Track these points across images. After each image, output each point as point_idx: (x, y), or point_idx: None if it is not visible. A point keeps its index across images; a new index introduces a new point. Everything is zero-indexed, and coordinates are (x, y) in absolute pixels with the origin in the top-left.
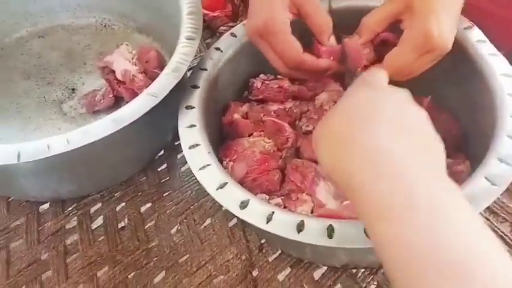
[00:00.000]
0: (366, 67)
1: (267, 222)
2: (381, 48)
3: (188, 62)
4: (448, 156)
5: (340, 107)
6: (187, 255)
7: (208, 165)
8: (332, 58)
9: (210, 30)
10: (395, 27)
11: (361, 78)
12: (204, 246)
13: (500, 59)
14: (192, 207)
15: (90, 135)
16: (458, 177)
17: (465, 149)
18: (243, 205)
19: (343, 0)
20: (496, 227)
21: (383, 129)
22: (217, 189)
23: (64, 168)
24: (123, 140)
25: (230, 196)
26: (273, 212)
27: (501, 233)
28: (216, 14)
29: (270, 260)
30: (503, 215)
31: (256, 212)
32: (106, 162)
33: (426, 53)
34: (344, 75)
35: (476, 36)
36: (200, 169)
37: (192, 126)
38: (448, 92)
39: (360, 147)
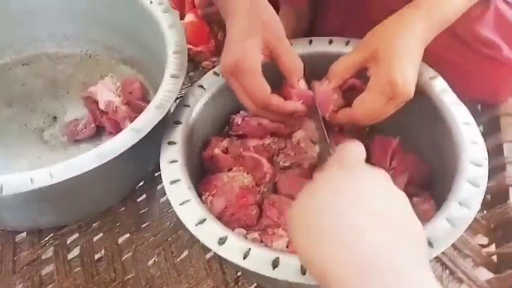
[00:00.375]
0: (334, 112)
1: (244, 258)
2: (349, 94)
3: (172, 99)
4: (415, 194)
5: (316, 191)
6: None
7: (187, 200)
8: (301, 101)
9: (193, 64)
10: (362, 74)
11: (336, 155)
12: (181, 279)
13: (462, 108)
14: (170, 238)
15: (73, 169)
16: (424, 215)
17: (431, 188)
18: (221, 241)
19: (317, 46)
20: (459, 262)
21: (364, 221)
22: (196, 225)
23: (45, 200)
24: (106, 173)
25: (209, 232)
26: (250, 249)
27: (464, 269)
28: (199, 49)
29: None
30: (466, 251)
31: (234, 248)
32: (87, 194)
33: (391, 99)
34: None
35: (440, 86)
36: (180, 204)
37: (174, 161)
38: (415, 135)
39: (340, 242)
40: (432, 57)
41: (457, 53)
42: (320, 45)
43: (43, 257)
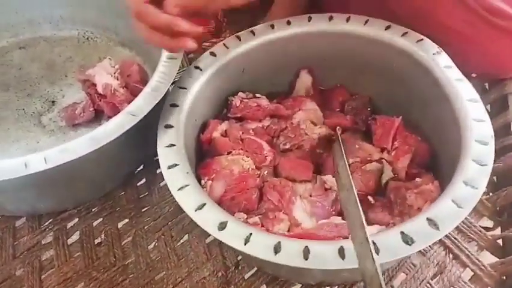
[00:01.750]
0: None
1: (245, 244)
2: None
3: (169, 81)
4: (417, 175)
5: None
6: (164, 272)
7: (186, 185)
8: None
9: None
10: None
11: None
12: (181, 263)
13: (466, 84)
14: (169, 223)
15: (68, 153)
16: (427, 196)
17: (434, 169)
18: (222, 226)
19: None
20: (463, 246)
21: None
22: (195, 210)
23: (42, 185)
24: (102, 157)
25: (208, 217)
26: (251, 234)
27: (468, 252)
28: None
29: (246, 278)
30: (470, 234)
31: (235, 233)
32: (84, 178)
33: None
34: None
35: (443, 62)
36: (179, 189)
37: (171, 145)
38: (418, 115)
39: None
40: (438, 27)
41: (465, 22)
42: (320, 23)
43: (43, 242)
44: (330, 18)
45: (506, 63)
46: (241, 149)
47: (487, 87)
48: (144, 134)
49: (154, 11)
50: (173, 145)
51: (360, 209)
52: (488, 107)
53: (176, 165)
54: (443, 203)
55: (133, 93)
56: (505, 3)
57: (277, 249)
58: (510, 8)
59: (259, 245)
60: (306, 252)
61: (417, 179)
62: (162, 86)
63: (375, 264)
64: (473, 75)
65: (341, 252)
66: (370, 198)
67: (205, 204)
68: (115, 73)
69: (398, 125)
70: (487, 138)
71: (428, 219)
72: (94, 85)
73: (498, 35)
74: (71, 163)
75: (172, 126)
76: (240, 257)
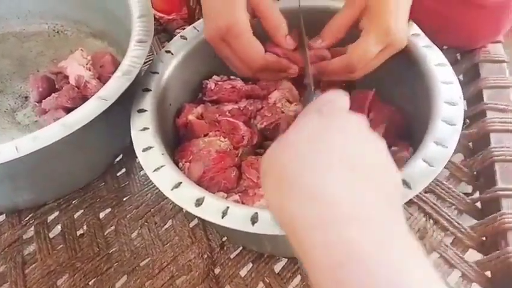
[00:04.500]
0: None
1: (222, 217)
2: None
3: (140, 64)
4: (393, 144)
5: (288, 138)
6: (149, 258)
7: (162, 166)
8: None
9: (166, 33)
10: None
11: (315, 102)
12: (166, 248)
13: (435, 50)
14: (152, 210)
15: (40, 141)
16: (402, 162)
17: (409, 137)
18: (198, 203)
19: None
20: (443, 211)
21: (333, 172)
22: (172, 189)
23: (18, 176)
24: (76, 145)
25: (185, 195)
26: (228, 207)
27: (448, 217)
28: (171, 17)
29: (231, 257)
30: (449, 199)
31: (212, 208)
32: (61, 168)
33: (385, 48)
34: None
35: (412, 30)
36: (154, 171)
37: (145, 129)
38: (391, 85)
39: (307, 192)
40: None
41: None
42: None
43: (24, 237)
44: None
45: (474, 35)
46: (218, 131)
47: (458, 57)
48: (118, 121)
49: (275, 58)
50: (147, 128)
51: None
52: (461, 76)
53: (151, 147)
54: (415, 163)
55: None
56: None
57: (254, 219)
58: None
59: (237, 217)
60: None
61: (393, 148)
62: (133, 69)
63: None
64: (445, 47)
65: None
66: None
67: (181, 182)
68: (87, 64)
69: (372, 97)
70: (455, 99)
71: None
72: (67, 77)
73: (466, 8)
74: (45, 151)
75: (146, 110)
76: (224, 238)
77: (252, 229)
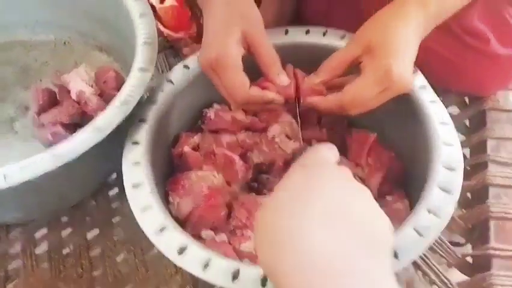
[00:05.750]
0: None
1: (204, 269)
2: None
3: (139, 95)
4: (389, 192)
5: (275, 196)
6: (131, 285)
7: (149, 206)
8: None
9: (173, 51)
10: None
11: (302, 156)
12: (149, 275)
13: (439, 106)
14: (141, 234)
15: (28, 171)
16: (397, 215)
17: (406, 185)
18: (181, 251)
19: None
20: (432, 263)
21: (316, 225)
22: (155, 234)
23: (6, 199)
24: (67, 173)
25: (168, 241)
26: (210, 259)
27: (436, 270)
28: (179, 35)
29: None
30: (440, 252)
31: (194, 258)
32: (50, 191)
33: (384, 90)
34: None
35: (419, 82)
36: (141, 211)
37: (137, 163)
38: (392, 131)
39: (292, 248)
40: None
41: (443, 43)
42: (297, 36)
43: (10, 251)
44: (307, 31)
45: (484, 84)
46: (213, 164)
47: (466, 101)
48: (112, 148)
49: (258, 92)
50: (139, 163)
51: None
52: (467, 122)
53: (140, 184)
54: (405, 231)
55: (108, 100)
56: (484, 24)
57: (235, 275)
58: (490, 31)
59: (218, 271)
60: (264, 280)
61: (388, 197)
62: (131, 100)
63: None
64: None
65: None
66: None
67: (165, 227)
68: (89, 80)
69: (373, 141)
70: (455, 164)
71: None
72: (68, 91)
73: (474, 56)
74: (34, 179)
75: (139, 143)
76: None
77: (232, 286)
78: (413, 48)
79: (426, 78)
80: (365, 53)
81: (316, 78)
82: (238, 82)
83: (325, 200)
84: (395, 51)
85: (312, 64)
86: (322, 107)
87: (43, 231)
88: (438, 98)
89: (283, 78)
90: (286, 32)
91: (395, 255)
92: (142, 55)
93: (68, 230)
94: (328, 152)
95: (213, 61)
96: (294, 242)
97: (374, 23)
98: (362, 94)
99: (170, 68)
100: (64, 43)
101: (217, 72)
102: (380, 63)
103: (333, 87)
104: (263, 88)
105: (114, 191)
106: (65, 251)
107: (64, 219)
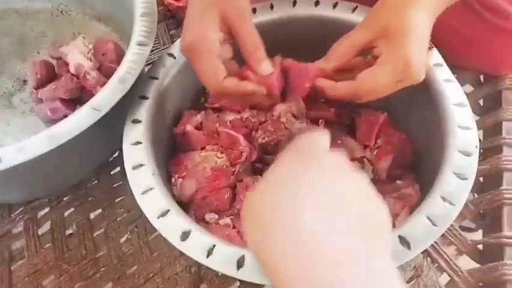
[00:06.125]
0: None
1: (207, 256)
2: None
3: (138, 71)
4: (399, 175)
5: (266, 182)
6: (135, 267)
7: (150, 189)
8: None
9: (174, 20)
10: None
11: (294, 142)
12: (153, 257)
13: (455, 86)
14: (143, 215)
15: (24, 153)
16: (406, 201)
17: (417, 168)
18: (184, 237)
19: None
20: (442, 250)
21: (308, 214)
22: (158, 217)
23: (5, 180)
24: (65, 153)
25: (171, 226)
26: (214, 245)
27: (446, 257)
28: (181, 5)
29: (219, 274)
30: (450, 238)
31: (197, 244)
32: (51, 170)
33: (400, 81)
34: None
35: (434, 59)
36: (142, 193)
37: (138, 143)
38: (405, 111)
39: (283, 235)
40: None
41: (460, 18)
42: (306, 8)
43: (13, 231)
44: (317, 3)
45: (500, 62)
46: (216, 144)
47: (481, 79)
48: (114, 126)
49: (233, 83)
50: (140, 143)
51: None
52: (481, 101)
53: (141, 165)
54: (417, 220)
55: (107, 74)
56: (506, 1)
57: (240, 263)
58: (507, 4)
59: (222, 259)
60: None
61: (398, 181)
62: (130, 77)
63: None
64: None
65: None
66: None
67: (168, 210)
68: (88, 53)
69: (383, 121)
70: (471, 148)
71: (400, 236)
72: (67, 64)
73: (492, 33)
74: (31, 160)
75: (140, 121)
76: None
77: (236, 274)
78: (427, 34)
79: (441, 55)
80: (380, 38)
81: (326, 63)
82: (211, 70)
83: (315, 186)
84: (414, 41)
85: (320, 37)
86: (332, 94)
87: (45, 210)
88: (454, 77)
89: (265, 67)
90: (294, 4)
91: (407, 245)
92: (141, 27)
93: (71, 210)
94: (319, 137)
95: (187, 46)
96: (286, 229)
97: (388, 6)
98: (378, 84)
99: (172, 39)
100: (62, 12)
101: (191, 57)
102: (399, 53)
103: (341, 70)
104: (243, 78)
105: (116, 170)
106: (68, 231)
107: (66, 198)
